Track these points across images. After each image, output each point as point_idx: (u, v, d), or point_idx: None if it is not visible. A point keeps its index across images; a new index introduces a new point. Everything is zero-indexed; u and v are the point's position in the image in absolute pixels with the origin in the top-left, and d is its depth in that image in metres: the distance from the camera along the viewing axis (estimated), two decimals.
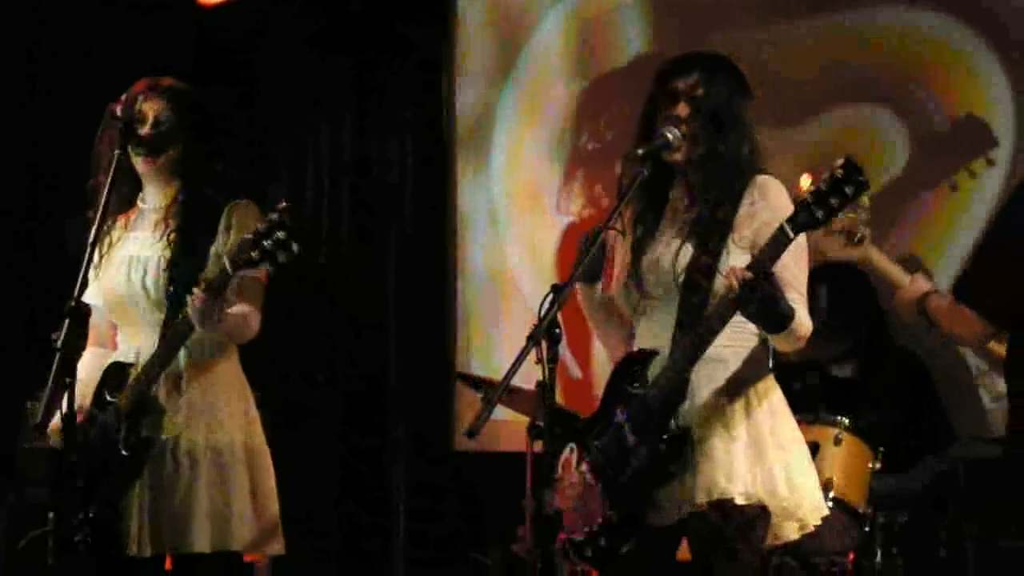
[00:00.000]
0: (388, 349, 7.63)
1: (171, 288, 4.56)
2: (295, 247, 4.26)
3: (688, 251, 4.09)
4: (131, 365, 4.59)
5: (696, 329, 3.99)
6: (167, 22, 7.07)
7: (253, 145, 7.24)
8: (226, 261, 4.35)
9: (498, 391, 3.86)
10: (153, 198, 4.72)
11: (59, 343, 4.17)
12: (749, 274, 3.82)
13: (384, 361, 7.63)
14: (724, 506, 4.02)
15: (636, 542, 4.08)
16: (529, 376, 3.91)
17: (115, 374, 4.61)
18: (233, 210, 4.65)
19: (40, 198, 6.83)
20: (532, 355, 3.83)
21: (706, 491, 4.01)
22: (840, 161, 3.80)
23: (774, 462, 4.09)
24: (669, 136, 4.10)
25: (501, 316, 7.35)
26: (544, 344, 3.80)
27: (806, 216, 3.81)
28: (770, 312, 3.93)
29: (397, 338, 7.63)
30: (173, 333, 4.48)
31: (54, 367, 4.17)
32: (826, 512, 4.27)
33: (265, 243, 4.26)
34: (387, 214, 7.72)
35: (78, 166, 4.72)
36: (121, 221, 4.73)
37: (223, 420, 4.60)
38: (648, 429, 4.04)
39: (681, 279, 4.07)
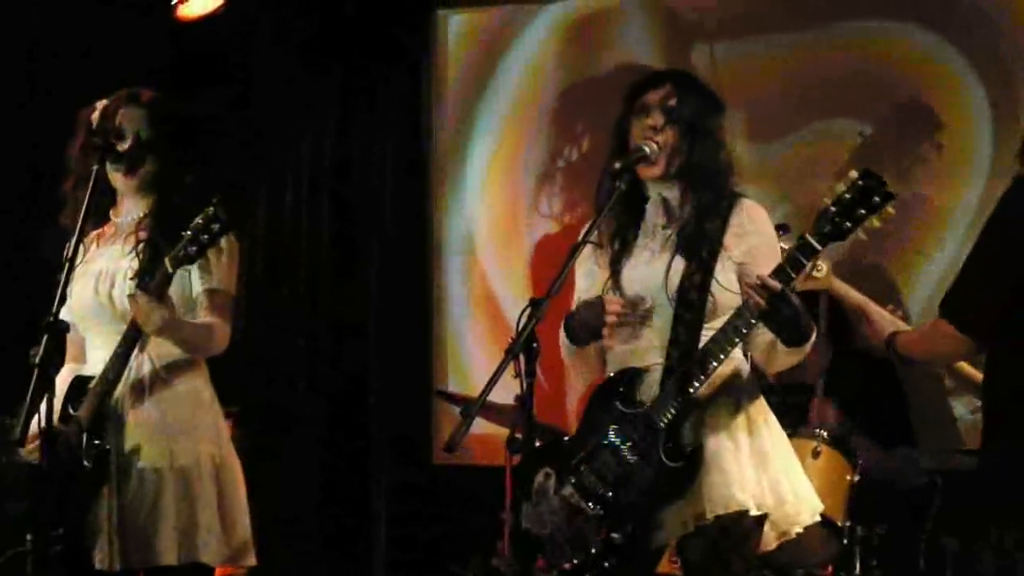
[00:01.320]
0: (368, 356, 7.62)
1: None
2: (217, 228, 4.27)
3: (679, 266, 4.09)
4: (92, 378, 4.56)
5: (708, 346, 3.96)
6: (153, 24, 7.05)
7: (235, 149, 7.22)
8: (166, 260, 4.35)
9: (476, 405, 3.85)
10: (128, 212, 4.71)
11: (36, 359, 4.16)
12: (776, 284, 3.80)
13: (364, 368, 7.61)
14: (725, 520, 4.02)
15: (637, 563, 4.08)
16: (508, 390, 3.92)
17: (78, 387, 4.57)
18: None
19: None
20: (510, 369, 3.81)
21: (719, 504, 4.01)
22: (859, 172, 3.78)
23: (778, 471, 4.14)
24: (647, 149, 4.12)
25: (481, 332, 7.37)
26: (522, 358, 3.79)
27: (831, 227, 3.77)
28: (796, 324, 3.91)
29: (378, 345, 7.61)
30: (123, 338, 4.45)
31: (32, 383, 4.15)
32: (819, 517, 4.29)
33: (202, 237, 4.27)
34: (368, 220, 7.71)
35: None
36: (94, 236, 4.71)
37: (189, 433, 4.57)
38: (652, 448, 4.01)
39: (674, 294, 4.07)
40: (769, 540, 4.19)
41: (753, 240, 4.13)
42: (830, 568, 5.56)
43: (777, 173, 6.62)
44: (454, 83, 7.68)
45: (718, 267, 4.09)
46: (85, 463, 4.47)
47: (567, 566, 4.09)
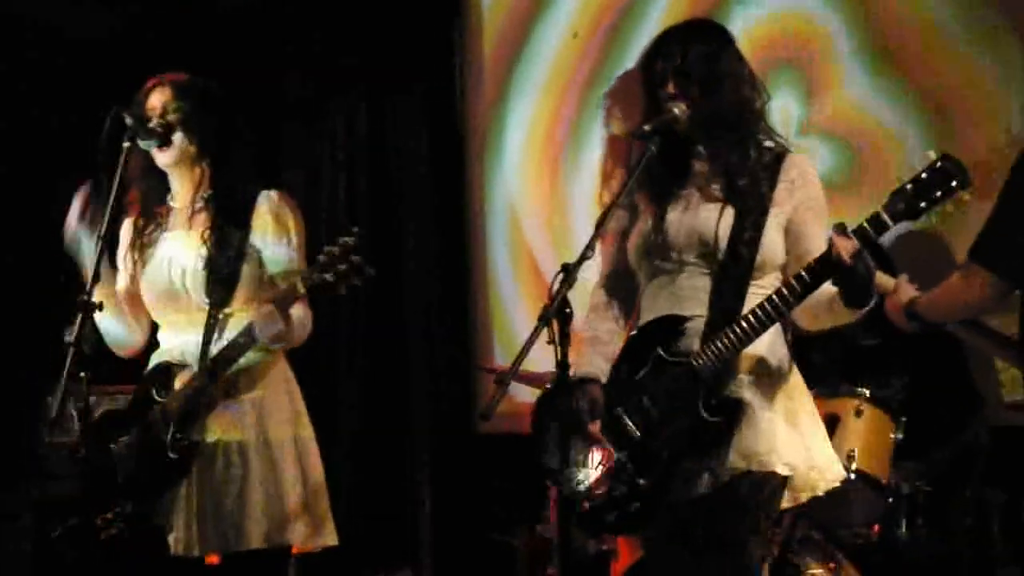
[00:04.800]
0: (409, 328, 7.63)
1: (210, 286, 4.60)
2: (370, 271, 4.29)
3: (729, 218, 4.11)
4: (178, 366, 4.62)
5: (770, 303, 3.95)
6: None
7: (270, 134, 7.24)
8: (297, 281, 4.37)
9: (510, 372, 3.84)
10: (179, 193, 4.75)
11: (71, 339, 4.20)
12: (857, 244, 3.80)
13: (405, 340, 7.62)
14: (756, 476, 4.04)
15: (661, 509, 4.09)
16: (551, 357, 3.88)
17: (162, 373, 4.63)
18: (266, 202, 4.68)
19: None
20: (545, 335, 3.80)
21: (752, 460, 4.03)
22: (938, 154, 3.79)
23: (807, 433, 4.16)
24: (676, 111, 4.14)
25: (528, 302, 7.38)
26: (555, 324, 3.78)
27: (905, 205, 3.78)
28: (867, 285, 3.91)
29: (420, 317, 7.63)
30: (234, 345, 4.49)
31: (67, 363, 4.18)
32: (843, 478, 4.28)
33: (340, 266, 4.27)
34: (407, 194, 7.70)
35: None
36: (155, 219, 4.76)
37: (272, 415, 4.63)
38: (691, 399, 4.02)
39: (724, 245, 4.08)
40: (783, 502, 4.20)
41: (801, 196, 4.16)
42: (876, 527, 5.53)
43: None
44: (489, 52, 7.65)
45: (768, 222, 4.10)
46: (170, 455, 4.50)
47: (586, 504, 4.11)
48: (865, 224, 3.82)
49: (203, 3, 7.28)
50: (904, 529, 5.50)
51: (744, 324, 3.98)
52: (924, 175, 3.77)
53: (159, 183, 4.77)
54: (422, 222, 7.68)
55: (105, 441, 4.61)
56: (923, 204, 3.77)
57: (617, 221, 4.29)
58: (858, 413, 5.41)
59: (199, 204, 4.71)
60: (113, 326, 4.74)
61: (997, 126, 5.87)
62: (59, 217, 4.69)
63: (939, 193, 3.76)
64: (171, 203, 4.77)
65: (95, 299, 4.32)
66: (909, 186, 3.78)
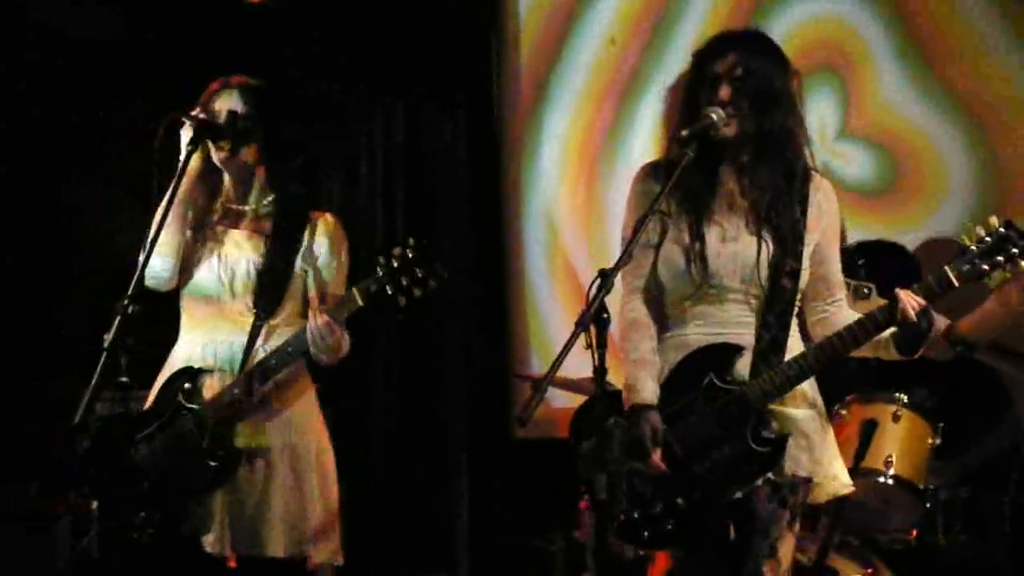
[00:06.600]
0: (447, 333, 7.63)
1: (259, 293, 4.63)
2: (433, 283, 4.29)
3: (768, 246, 4.13)
4: (205, 371, 4.63)
5: (829, 346, 4.07)
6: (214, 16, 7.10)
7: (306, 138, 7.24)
8: (356, 294, 4.39)
9: (546, 378, 3.83)
10: (238, 195, 4.78)
11: (107, 344, 4.20)
12: (923, 301, 4.00)
13: (443, 346, 7.63)
14: (797, 480, 4.10)
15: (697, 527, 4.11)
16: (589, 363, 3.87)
17: (189, 379, 4.64)
18: (320, 223, 4.72)
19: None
20: (582, 341, 3.79)
21: (795, 464, 4.10)
22: (1000, 221, 4.01)
23: (828, 444, 4.22)
24: (714, 116, 4.12)
25: (565, 308, 7.37)
26: (593, 329, 3.77)
27: (970, 267, 3.99)
28: (924, 338, 4.08)
29: (457, 323, 7.63)
30: (282, 354, 4.52)
31: (99, 366, 4.18)
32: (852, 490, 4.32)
33: (402, 279, 4.29)
34: (444, 198, 7.71)
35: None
36: (212, 216, 4.78)
37: (299, 427, 4.65)
38: (740, 428, 4.05)
39: (766, 275, 4.11)
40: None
41: (827, 222, 4.22)
42: (914, 532, 5.52)
43: None
44: (527, 56, 7.64)
45: (804, 252, 4.16)
46: (211, 463, 4.52)
47: (622, 517, 4.10)
48: (931, 281, 4.01)
49: (231, 4, 7.28)
50: (941, 534, 5.49)
51: (802, 362, 4.07)
52: (988, 238, 3.99)
53: (219, 183, 4.80)
54: (459, 228, 7.67)
55: (121, 445, 4.63)
56: (986, 267, 3.99)
57: (650, 231, 4.22)
58: (896, 418, 5.40)
59: (262, 210, 4.74)
60: (167, 249, 4.70)
61: None
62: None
63: (1002, 259, 3.98)
64: (228, 204, 4.79)
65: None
66: (974, 247, 3.99)
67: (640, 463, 4.09)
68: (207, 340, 4.69)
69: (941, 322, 4.66)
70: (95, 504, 4.38)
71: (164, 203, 4.50)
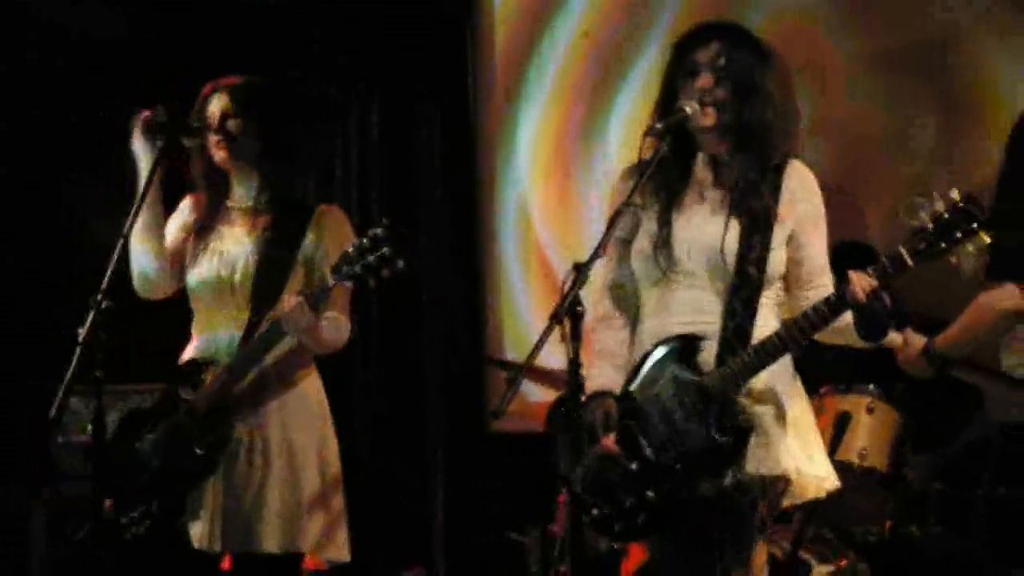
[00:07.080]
0: (422, 326, 7.64)
1: (257, 287, 4.63)
2: (400, 264, 4.27)
3: (734, 231, 4.08)
4: (208, 363, 4.63)
5: (788, 332, 3.98)
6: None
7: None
8: (327, 273, 4.37)
9: (521, 370, 3.85)
10: (239, 192, 4.79)
11: (80, 339, 4.20)
12: (875, 283, 3.84)
13: (418, 339, 7.63)
14: (768, 479, 4.05)
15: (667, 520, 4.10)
16: (563, 355, 3.87)
17: (192, 371, 4.65)
18: (323, 215, 4.72)
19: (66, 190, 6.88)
20: (556, 334, 3.78)
21: (763, 464, 4.04)
22: (961, 194, 3.76)
23: (813, 440, 4.17)
24: (688, 109, 4.09)
25: (538, 300, 7.37)
26: (567, 322, 3.76)
27: (927, 246, 3.77)
28: (882, 322, 3.94)
29: (432, 316, 7.64)
30: (261, 339, 4.52)
31: (72, 362, 4.18)
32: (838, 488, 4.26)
33: (369, 257, 4.27)
34: (419, 191, 7.72)
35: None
36: (214, 213, 4.79)
37: (298, 420, 4.64)
38: (703, 418, 4.02)
39: (732, 260, 4.07)
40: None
41: (802, 208, 4.14)
42: (888, 524, 5.53)
43: None
44: (501, 50, 7.66)
45: (773, 238, 4.10)
46: (198, 450, 4.51)
47: (595, 512, 4.10)
48: (885, 262, 3.84)
49: (211, 4, 7.28)
50: (916, 527, 5.51)
51: (760, 351, 3.99)
52: (946, 215, 3.74)
53: (223, 181, 4.80)
54: (434, 221, 7.68)
55: (131, 440, 4.63)
56: (944, 245, 3.76)
57: (624, 226, 4.20)
58: (869, 410, 5.41)
59: (260, 205, 4.74)
60: (147, 258, 4.73)
61: (1007, 129, 5.88)
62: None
63: (960, 235, 3.74)
64: (231, 202, 4.80)
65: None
66: (931, 225, 3.75)
67: (597, 447, 4.08)
68: (209, 334, 4.71)
69: (918, 340, 4.56)
70: (108, 502, 4.42)
71: (133, 210, 4.48)
